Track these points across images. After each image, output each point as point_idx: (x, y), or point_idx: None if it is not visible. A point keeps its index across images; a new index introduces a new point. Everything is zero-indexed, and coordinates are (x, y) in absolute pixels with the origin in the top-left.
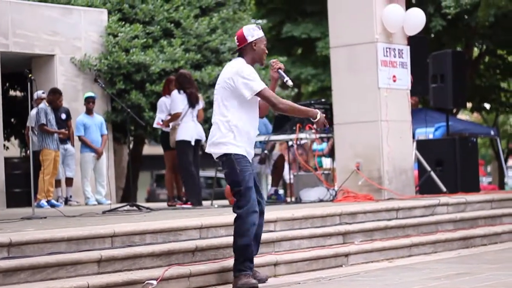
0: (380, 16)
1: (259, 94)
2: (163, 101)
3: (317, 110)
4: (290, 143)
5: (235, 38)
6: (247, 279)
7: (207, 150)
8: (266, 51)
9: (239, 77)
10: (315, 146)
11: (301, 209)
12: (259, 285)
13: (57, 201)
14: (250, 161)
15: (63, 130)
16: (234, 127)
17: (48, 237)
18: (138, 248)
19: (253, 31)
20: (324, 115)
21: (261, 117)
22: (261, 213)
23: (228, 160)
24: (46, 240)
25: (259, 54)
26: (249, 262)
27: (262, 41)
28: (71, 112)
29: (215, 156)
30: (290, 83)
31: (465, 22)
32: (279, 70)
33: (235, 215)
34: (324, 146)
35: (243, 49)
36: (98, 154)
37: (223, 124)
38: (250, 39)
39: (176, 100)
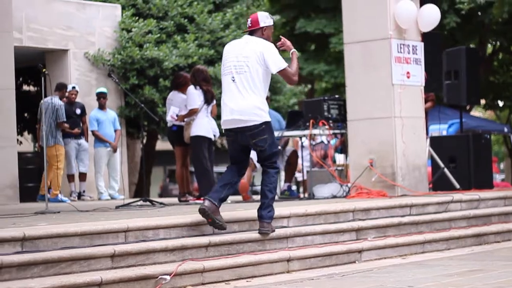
0: (394, 12)
1: (282, 70)
2: (179, 96)
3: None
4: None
5: (249, 19)
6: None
7: (239, 118)
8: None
9: (268, 52)
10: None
11: (315, 205)
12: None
13: (70, 195)
14: None
15: (76, 129)
16: (264, 99)
17: (61, 231)
18: (151, 243)
19: (265, 18)
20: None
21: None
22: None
23: (268, 127)
24: (60, 235)
25: (268, 38)
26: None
27: (270, 29)
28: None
29: (252, 123)
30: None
31: (479, 19)
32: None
33: (274, 171)
34: (334, 141)
35: (254, 31)
36: (114, 149)
37: (260, 94)
38: (262, 24)
39: (193, 96)
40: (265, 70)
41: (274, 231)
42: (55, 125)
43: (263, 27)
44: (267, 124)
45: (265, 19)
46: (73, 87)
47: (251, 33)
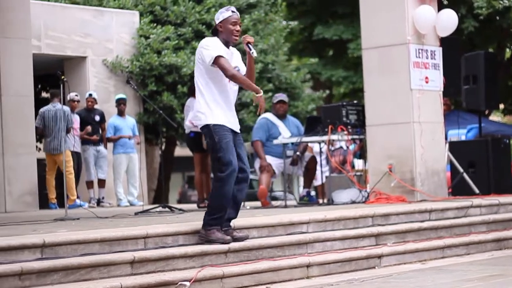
0: (412, 18)
1: (215, 60)
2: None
3: (260, 90)
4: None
5: None
6: (222, 235)
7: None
8: (236, 29)
9: (200, 48)
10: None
11: (334, 210)
12: None
13: (89, 202)
14: (235, 129)
15: (95, 136)
16: (209, 100)
17: (81, 238)
18: (171, 249)
19: (219, 14)
20: (263, 97)
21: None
22: (245, 180)
23: (209, 131)
24: (79, 241)
25: (226, 34)
26: (221, 219)
27: (228, 21)
28: None
29: (199, 128)
30: (254, 54)
31: (497, 23)
32: (248, 44)
33: (218, 175)
34: (353, 146)
35: (214, 30)
36: (136, 141)
37: (202, 97)
38: (216, 21)
39: None
40: (207, 68)
41: (212, 240)
42: (65, 132)
43: (218, 23)
44: (207, 127)
45: (218, 15)
46: (90, 95)
47: (214, 34)
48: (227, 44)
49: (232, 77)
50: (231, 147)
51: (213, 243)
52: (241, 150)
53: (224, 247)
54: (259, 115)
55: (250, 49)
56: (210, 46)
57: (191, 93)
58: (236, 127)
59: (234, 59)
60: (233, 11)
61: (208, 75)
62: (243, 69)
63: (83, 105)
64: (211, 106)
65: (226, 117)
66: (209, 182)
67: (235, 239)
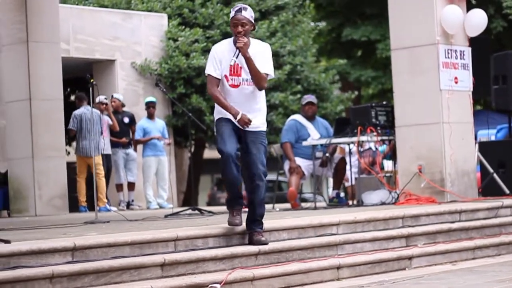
0: (440, 18)
1: (208, 82)
2: None
3: (239, 111)
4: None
5: None
6: (231, 218)
7: None
8: (237, 30)
9: None
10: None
11: (364, 212)
12: None
13: (119, 205)
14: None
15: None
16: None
17: (111, 241)
18: (201, 252)
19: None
20: (245, 116)
21: (258, 87)
22: (254, 177)
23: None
24: (110, 244)
25: (233, 33)
26: (233, 201)
27: (231, 22)
28: None
29: None
30: (231, 62)
31: None
32: (238, 49)
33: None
34: (384, 148)
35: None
36: (166, 143)
37: None
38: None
39: None
40: None
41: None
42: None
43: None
44: (216, 120)
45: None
46: (112, 96)
47: None
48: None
49: (212, 96)
50: (227, 134)
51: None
52: (257, 146)
53: (255, 249)
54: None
55: (234, 55)
56: (209, 58)
57: None
58: (248, 128)
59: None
60: (236, 11)
61: None
62: (259, 67)
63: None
64: (217, 106)
65: (228, 116)
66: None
67: (251, 242)
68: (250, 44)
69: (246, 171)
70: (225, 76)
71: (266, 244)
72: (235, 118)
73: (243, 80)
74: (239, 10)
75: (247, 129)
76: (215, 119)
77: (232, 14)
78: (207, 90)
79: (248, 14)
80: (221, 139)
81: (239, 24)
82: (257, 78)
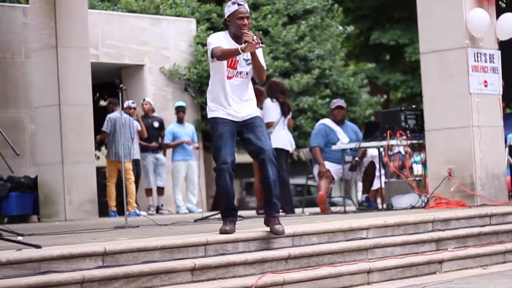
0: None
1: (212, 54)
2: None
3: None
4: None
5: None
6: (222, 226)
7: None
8: (243, 23)
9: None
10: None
11: (394, 216)
12: None
13: (149, 209)
14: (238, 118)
15: (153, 143)
16: (211, 95)
17: (141, 246)
18: (231, 256)
19: (227, 9)
20: (251, 39)
21: (260, 80)
22: (264, 160)
23: (212, 125)
24: (140, 249)
25: (235, 28)
26: (227, 211)
27: (235, 15)
28: None
29: None
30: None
31: None
32: (246, 42)
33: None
34: (420, 157)
35: (226, 25)
36: (195, 146)
37: (208, 93)
38: (225, 16)
39: (270, 109)
40: (211, 64)
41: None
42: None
43: (226, 19)
44: (210, 120)
45: (226, 10)
46: (144, 99)
47: (227, 28)
48: (236, 38)
49: (220, 57)
50: (221, 140)
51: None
52: (254, 133)
53: (285, 253)
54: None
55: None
56: (211, 43)
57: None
58: (240, 117)
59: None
60: (239, 4)
61: (211, 71)
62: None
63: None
64: (212, 101)
65: (224, 110)
66: None
67: (269, 229)
68: None
69: (257, 156)
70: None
71: (284, 233)
72: (242, 51)
73: (237, 73)
74: (242, 3)
75: (244, 119)
76: (210, 117)
77: (235, 7)
78: (213, 55)
79: (247, 7)
80: (217, 145)
81: (245, 17)
82: (261, 71)
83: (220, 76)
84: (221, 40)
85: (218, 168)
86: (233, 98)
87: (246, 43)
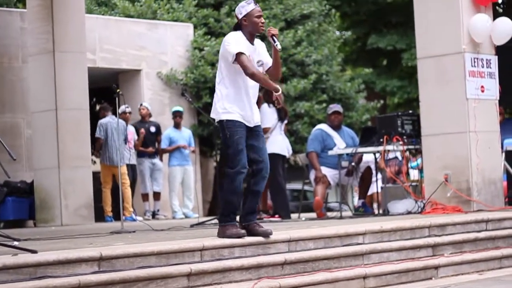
0: (467, 26)
1: (236, 57)
2: None
3: (279, 87)
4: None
5: None
6: (236, 230)
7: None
8: (261, 21)
9: (223, 44)
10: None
11: (390, 221)
12: None
13: (145, 214)
14: (250, 124)
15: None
16: (224, 96)
17: (138, 251)
18: (227, 261)
19: (241, 8)
20: (281, 96)
21: (276, 78)
22: (260, 171)
23: (222, 127)
24: (136, 254)
25: (252, 26)
26: (233, 215)
27: (252, 14)
28: None
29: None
30: (279, 46)
31: None
32: (273, 37)
33: (228, 172)
34: (417, 163)
35: (238, 24)
36: (191, 150)
37: (219, 91)
38: (239, 16)
39: (267, 114)
40: (226, 64)
41: (227, 236)
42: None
43: (242, 18)
44: (221, 122)
45: (241, 9)
46: (141, 104)
47: (237, 29)
48: (251, 38)
49: (252, 76)
50: (241, 144)
51: (230, 238)
52: (258, 142)
53: (281, 258)
54: (278, 107)
55: (275, 41)
56: (232, 43)
57: None
58: (252, 122)
59: (257, 52)
60: (255, 3)
61: (226, 71)
62: (268, 61)
63: (136, 117)
64: (225, 102)
65: (240, 113)
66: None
67: (258, 234)
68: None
69: (255, 165)
70: None
71: (271, 234)
72: (276, 91)
73: None
74: (256, 3)
75: (253, 125)
76: (225, 119)
77: (252, 6)
78: (246, 70)
79: None
80: (237, 148)
81: (261, 15)
82: (279, 68)
83: (242, 77)
84: (241, 43)
85: (238, 171)
86: (250, 101)
87: (277, 92)
